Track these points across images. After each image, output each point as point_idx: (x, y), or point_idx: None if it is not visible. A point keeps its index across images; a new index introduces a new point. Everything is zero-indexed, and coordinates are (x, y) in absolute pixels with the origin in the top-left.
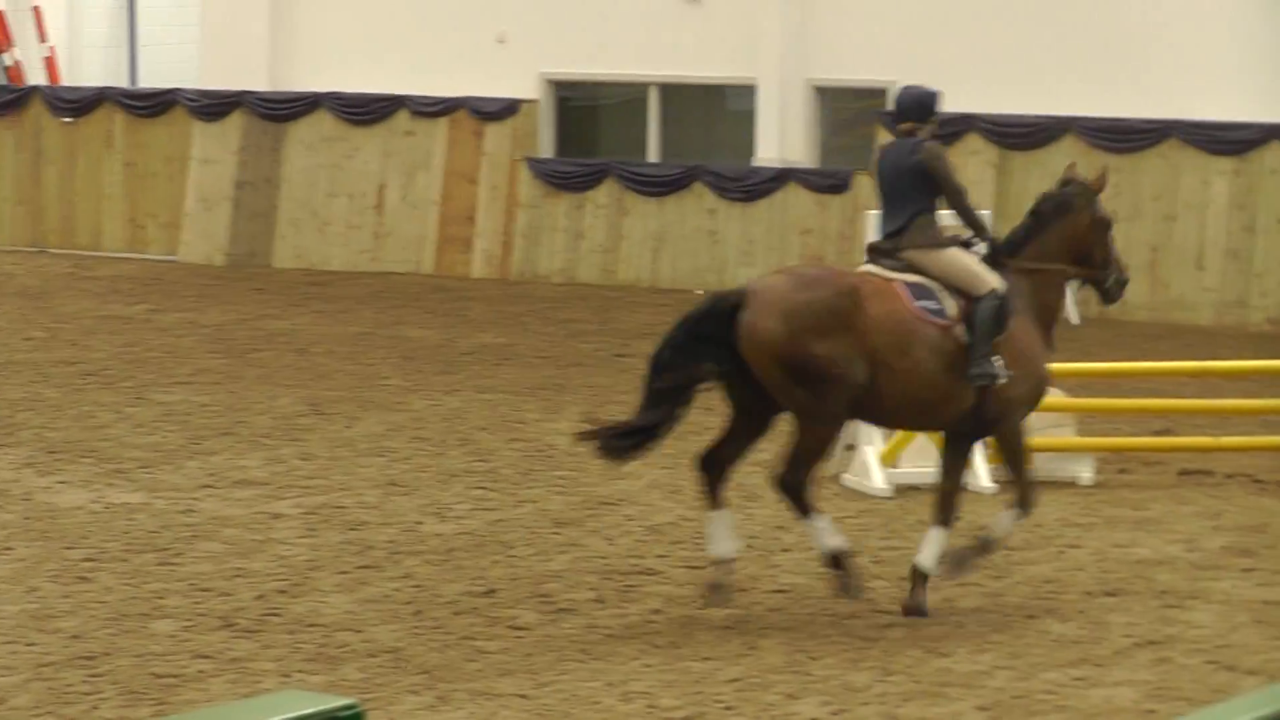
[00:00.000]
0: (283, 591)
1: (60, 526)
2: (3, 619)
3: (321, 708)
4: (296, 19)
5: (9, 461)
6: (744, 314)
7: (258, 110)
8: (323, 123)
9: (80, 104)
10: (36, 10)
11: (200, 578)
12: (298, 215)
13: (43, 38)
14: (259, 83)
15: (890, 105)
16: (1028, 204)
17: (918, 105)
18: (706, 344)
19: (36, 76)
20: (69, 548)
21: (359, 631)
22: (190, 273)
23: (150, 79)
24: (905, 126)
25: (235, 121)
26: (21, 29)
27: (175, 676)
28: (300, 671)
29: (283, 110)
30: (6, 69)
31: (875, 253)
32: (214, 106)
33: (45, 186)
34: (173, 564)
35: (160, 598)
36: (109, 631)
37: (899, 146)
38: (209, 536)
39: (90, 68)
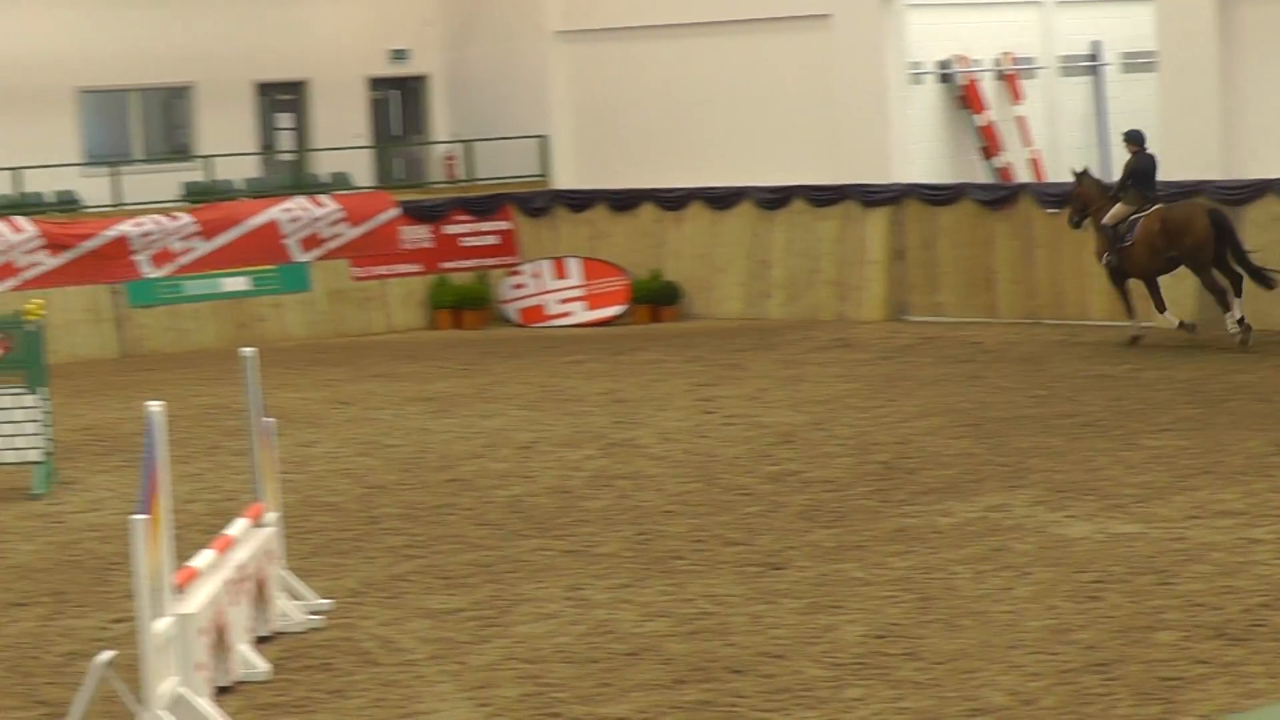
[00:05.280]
0: (1266, 605)
1: (1070, 554)
2: (1028, 633)
3: None
4: None
5: (1023, 500)
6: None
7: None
8: None
9: (1063, 197)
10: (1021, 120)
11: (1193, 595)
12: None
13: (1027, 142)
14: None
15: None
16: None
17: (1142, 137)
18: None
19: (1024, 175)
20: (1079, 572)
21: None
22: (1161, 337)
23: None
24: (1134, 147)
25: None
26: (1009, 136)
27: (1178, 679)
28: None
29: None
30: (998, 170)
31: (1155, 201)
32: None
33: (1036, 267)
34: (1169, 584)
35: (1160, 612)
36: (1118, 642)
37: (1146, 156)
38: (1198, 559)
39: (1069, 167)
